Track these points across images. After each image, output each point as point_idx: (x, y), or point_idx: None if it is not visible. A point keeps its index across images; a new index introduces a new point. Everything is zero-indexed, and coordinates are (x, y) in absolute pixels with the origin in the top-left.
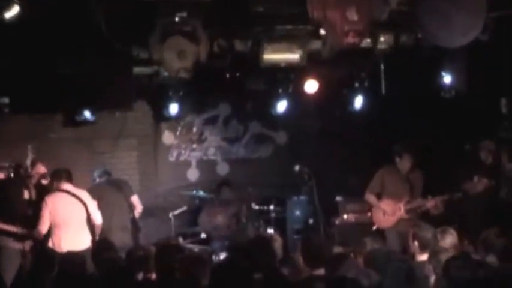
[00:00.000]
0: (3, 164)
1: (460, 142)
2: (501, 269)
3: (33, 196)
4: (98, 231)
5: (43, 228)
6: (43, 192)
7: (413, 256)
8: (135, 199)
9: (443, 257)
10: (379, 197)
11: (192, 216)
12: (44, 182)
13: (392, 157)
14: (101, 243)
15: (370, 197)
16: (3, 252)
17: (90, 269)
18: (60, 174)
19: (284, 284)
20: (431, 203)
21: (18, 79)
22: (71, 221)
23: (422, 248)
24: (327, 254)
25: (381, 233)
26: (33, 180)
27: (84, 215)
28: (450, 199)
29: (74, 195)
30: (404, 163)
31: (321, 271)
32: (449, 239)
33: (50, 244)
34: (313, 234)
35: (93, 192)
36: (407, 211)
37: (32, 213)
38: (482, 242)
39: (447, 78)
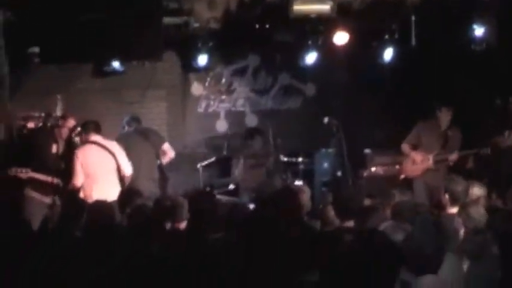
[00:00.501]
0: (33, 114)
1: (491, 96)
2: None
3: (61, 149)
4: (127, 181)
5: (78, 181)
6: (73, 145)
7: (444, 208)
8: (166, 146)
9: (473, 210)
10: (414, 149)
11: (220, 167)
12: (74, 136)
13: (433, 111)
14: (129, 191)
15: (405, 147)
16: (30, 203)
17: (119, 218)
18: (89, 126)
19: (313, 236)
20: (457, 156)
21: (48, 29)
22: (102, 173)
23: (453, 201)
24: (357, 206)
25: (408, 184)
26: (63, 133)
27: (114, 166)
28: (477, 154)
29: (103, 146)
30: (443, 117)
31: (350, 223)
32: (475, 192)
33: (81, 195)
34: (344, 186)
35: (121, 141)
36: (436, 162)
37: (61, 166)
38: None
39: (478, 31)
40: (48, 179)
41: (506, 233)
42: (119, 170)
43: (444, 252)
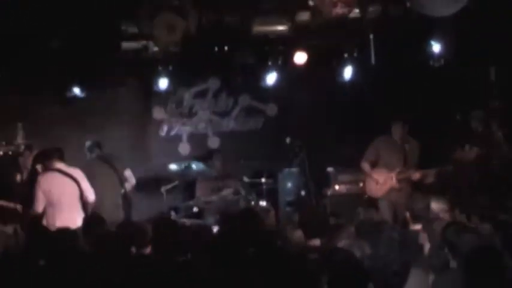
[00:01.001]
0: None
1: (450, 111)
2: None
3: (25, 178)
4: (90, 208)
5: (38, 207)
6: (36, 173)
7: (406, 225)
8: (128, 173)
9: (437, 225)
10: (374, 166)
11: (184, 190)
12: (37, 163)
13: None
14: (92, 219)
15: (365, 166)
16: None
17: (83, 246)
18: (52, 154)
19: (278, 256)
20: (420, 175)
21: (7, 55)
22: (65, 200)
23: (415, 219)
24: (323, 225)
25: (373, 203)
26: (27, 162)
27: (77, 193)
28: (439, 171)
29: (66, 174)
30: (396, 131)
31: (316, 242)
32: (434, 207)
33: (44, 223)
34: (309, 205)
35: (84, 168)
36: (399, 181)
37: (25, 194)
38: (476, 211)
39: (436, 47)
40: (11, 205)
41: (461, 246)
42: (81, 196)
43: (409, 268)
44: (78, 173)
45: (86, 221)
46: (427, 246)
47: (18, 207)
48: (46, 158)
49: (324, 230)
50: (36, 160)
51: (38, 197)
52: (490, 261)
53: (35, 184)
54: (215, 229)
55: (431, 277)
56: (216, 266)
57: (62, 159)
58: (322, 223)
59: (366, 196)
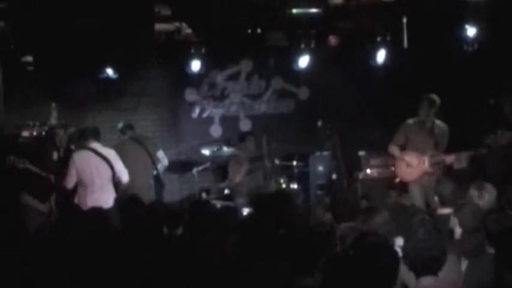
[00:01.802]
0: (28, 122)
1: (484, 96)
2: None
3: (61, 155)
4: (123, 188)
5: (69, 183)
6: (71, 152)
7: (434, 210)
8: (160, 154)
9: (467, 210)
10: (403, 149)
11: (215, 172)
12: (73, 142)
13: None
14: (128, 199)
15: (394, 149)
16: (26, 211)
17: (114, 226)
18: (88, 133)
19: (309, 237)
20: (454, 158)
21: (41, 37)
22: (97, 180)
23: (443, 203)
24: (354, 209)
25: (403, 186)
26: (63, 141)
27: (110, 174)
28: (474, 155)
29: (100, 154)
30: (428, 116)
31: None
32: (488, 195)
33: (75, 201)
34: (341, 189)
35: (117, 150)
36: (432, 164)
37: (62, 171)
38: (506, 197)
39: (470, 31)
40: (43, 173)
41: (500, 234)
42: (114, 177)
43: (446, 253)
44: (112, 154)
45: (122, 201)
46: (457, 231)
47: (52, 177)
48: (82, 137)
49: (354, 214)
50: (72, 138)
51: (71, 173)
52: None
53: (69, 161)
54: (246, 211)
55: (464, 262)
56: (246, 248)
57: (98, 138)
58: (352, 207)
59: (397, 180)
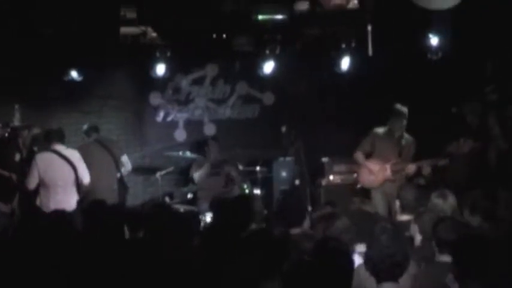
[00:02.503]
0: None
1: (447, 104)
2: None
3: (25, 157)
4: (85, 190)
5: (31, 184)
6: (34, 153)
7: (394, 216)
8: (124, 159)
9: (427, 217)
10: (368, 156)
11: (179, 176)
12: (36, 144)
13: (386, 118)
14: (90, 202)
15: (359, 156)
16: None
17: (77, 228)
18: (52, 135)
19: (269, 242)
20: (415, 167)
21: (5, 38)
22: (60, 182)
23: (404, 209)
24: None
25: (366, 193)
26: (27, 142)
27: (73, 176)
28: (435, 164)
29: (63, 156)
30: (397, 127)
31: (295, 230)
32: (451, 201)
33: (37, 203)
34: (288, 195)
35: (81, 151)
36: (393, 172)
37: (24, 172)
38: (467, 203)
39: (434, 40)
40: (6, 174)
41: (454, 241)
42: (77, 179)
43: (409, 260)
44: (75, 155)
45: (84, 203)
46: (417, 238)
47: (14, 177)
48: (46, 139)
49: (300, 219)
50: (35, 140)
51: (33, 174)
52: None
53: (32, 162)
54: (208, 216)
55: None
56: (207, 252)
57: (62, 140)
58: (300, 212)
59: (359, 186)
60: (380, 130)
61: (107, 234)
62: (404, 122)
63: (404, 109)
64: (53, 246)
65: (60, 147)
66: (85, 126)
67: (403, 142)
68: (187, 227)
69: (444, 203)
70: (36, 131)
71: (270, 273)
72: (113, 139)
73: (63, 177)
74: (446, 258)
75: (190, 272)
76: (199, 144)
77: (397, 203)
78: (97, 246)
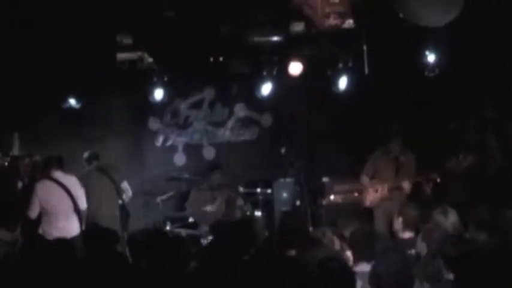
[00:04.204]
0: None
1: (445, 121)
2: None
3: (27, 184)
4: (83, 216)
5: (32, 213)
6: (35, 180)
7: (396, 233)
8: (124, 185)
9: (435, 234)
10: (371, 178)
11: (180, 201)
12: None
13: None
14: (92, 229)
15: (365, 179)
16: None
17: (80, 255)
18: (51, 162)
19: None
20: (409, 184)
21: (2, 65)
22: (61, 209)
23: (406, 226)
24: (299, 236)
25: (368, 213)
26: (28, 170)
27: (73, 203)
28: (426, 179)
29: (62, 183)
30: (393, 146)
31: (291, 252)
32: (452, 218)
33: (40, 231)
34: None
35: (82, 179)
36: (390, 190)
37: (26, 200)
38: (473, 219)
39: (430, 57)
40: (9, 202)
41: (459, 258)
42: (76, 206)
43: (413, 281)
44: (73, 181)
45: (85, 231)
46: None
47: (18, 207)
48: (45, 166)
49: (298, 241)
50: (35, 168)
51: (34, 203)
52: (481, 269)
53: (32, 191)
54: (210, 239)
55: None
56: (208, 275)
57: (61, 167)
58: (299, 233)
59: (362, 206)
60: (379, 152)
61: (109, 260)
62: (400, 141)
63: (399, 128)
64: (55, 273)
65: (58, 174)
66: (86, 154)
67: (402, 159)
68: (186, 250)
69: (445, 220)
70: (36, 158)
71: None
72: (114, 165)
73: (63, 204)
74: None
75: None
76: (201, 169)
77: (400, 219)
78: (99, 273)
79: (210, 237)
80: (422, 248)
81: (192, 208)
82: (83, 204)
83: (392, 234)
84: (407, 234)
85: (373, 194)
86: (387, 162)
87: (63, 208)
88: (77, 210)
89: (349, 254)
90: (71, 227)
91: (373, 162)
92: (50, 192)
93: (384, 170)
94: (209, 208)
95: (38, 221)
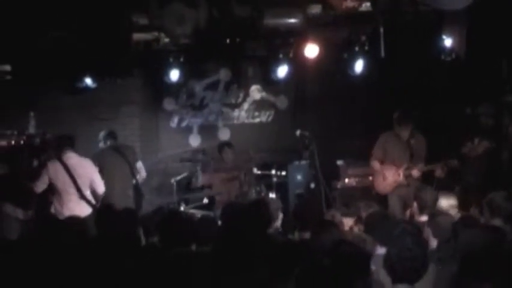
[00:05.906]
0: (5, 132)
1: (461, 105)
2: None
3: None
4: (99, 198)
5: (38, 188)
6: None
7: (412, 217)
8: (139, 165)
9: (442, 220)
10: (382, 162)
11: (194, 181)
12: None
13: (393, 124)
14: (104, 209)
15: (375, 164)
16: (6, 220)
17: (92, 234)
18: (63, 142)
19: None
20: (426, 170)
21: (19, 46)
22: (72, 189)
23: (421, 209)
24: (313, 218)
25: (381, 198)
26: (43, 149)
27: (86, 183)
28: (445, 166)
29: (69, 169)
30: (403, 131)
31: (306, 235)
32: (443, 202)
33: (52, 210)
34: (305, 199)
35: (97, 158)
36: (406, 176)
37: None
38: (488, 204)
39: (447, 41)
40: (25, 182)
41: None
42: (91, 187)
43: (427, 266)
44: (88, 164)
45: (98, 211)
46: (431, 241)
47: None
48: (57, 146)
49: (312, 224)
50: (46, 145)
51: (43, 179)
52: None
53: (43, 168)
54: None
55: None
56: (220, 257)
57: (72, 147)
58: (313, 216)
59: (374, 192)
60: (387, 134)
61: (120, 240)
62: (410, 125)
63: (408, 113)
64: (67, 252)
65: (71, 155)
66: (102, 133)
67: (413, 142)
68: (203, 233)
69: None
70: (50, 137)
71: (283, 276)
72: (128, 145)
73: (75, 184)
74: None
75: (204, 277)
76: (214, 150)
77: (415, 204)
78: (111, 252)
79: None
80: (428, 233)
81: (206, 189)
82: (99, 188)
83: (408, 218)
84: (423, 218)
85: (381, 180)
86: (399, 146)
87: (75, 188)
88: (83, 196)
89: (368, 237)
90: (83, 207)
91: (381, 146)
92: (61, 172)
93: (396, 153)
94: (223, 189)
95: (50, 200)
